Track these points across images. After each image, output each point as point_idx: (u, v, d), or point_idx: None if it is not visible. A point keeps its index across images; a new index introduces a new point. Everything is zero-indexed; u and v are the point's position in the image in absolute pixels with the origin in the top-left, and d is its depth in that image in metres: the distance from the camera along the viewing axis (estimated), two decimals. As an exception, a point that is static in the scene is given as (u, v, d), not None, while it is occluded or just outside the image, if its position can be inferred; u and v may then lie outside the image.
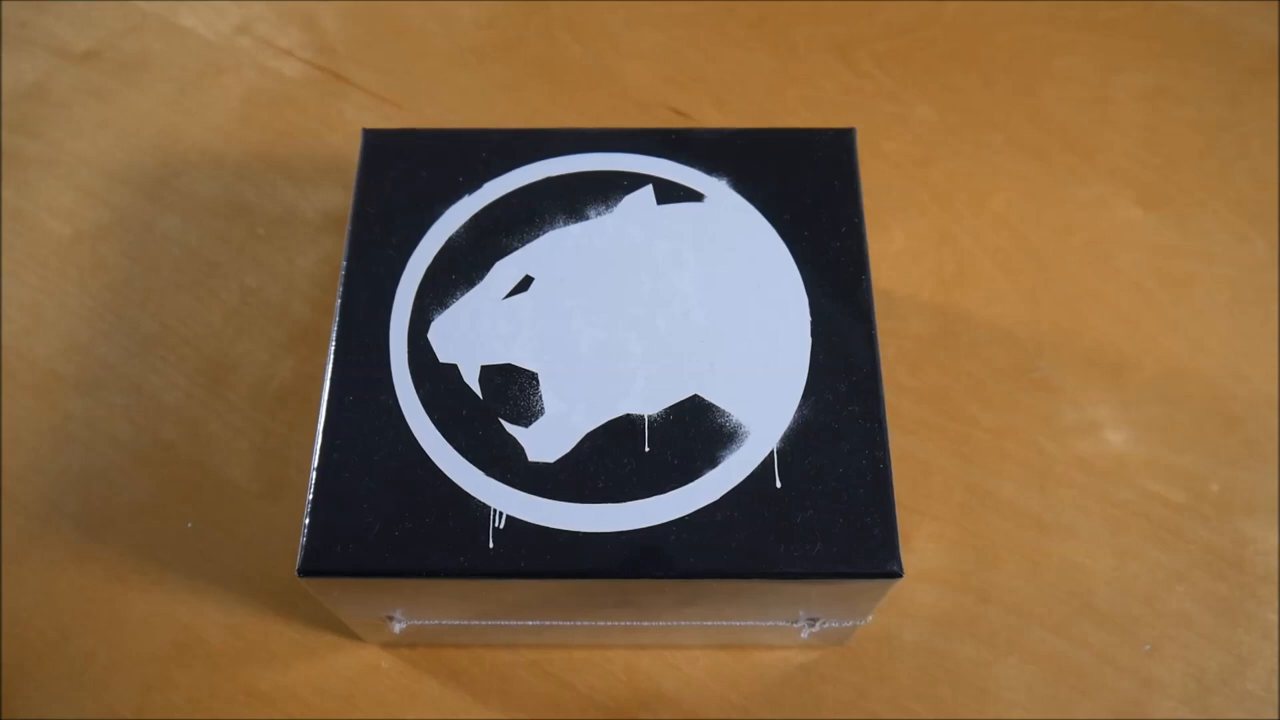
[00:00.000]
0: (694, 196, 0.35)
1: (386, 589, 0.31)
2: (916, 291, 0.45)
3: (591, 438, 0.31)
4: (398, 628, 0.35)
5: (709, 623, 0.35)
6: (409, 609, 0.34)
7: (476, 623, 0.35)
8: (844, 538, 0.29)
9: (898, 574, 0.29)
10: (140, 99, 0.50)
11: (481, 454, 0.31)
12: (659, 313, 0.33)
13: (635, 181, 0.35)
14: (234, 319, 0.44)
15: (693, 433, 0.31)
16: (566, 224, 0.34)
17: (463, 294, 0.33)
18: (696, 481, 0.30)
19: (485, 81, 0.51)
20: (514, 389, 0.32)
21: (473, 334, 0.32)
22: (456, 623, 0.35)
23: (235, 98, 0.50)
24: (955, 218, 0.47)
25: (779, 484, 0.30)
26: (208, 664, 0.38)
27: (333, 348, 0.32)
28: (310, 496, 0.30)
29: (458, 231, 0.34)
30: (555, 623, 0.35)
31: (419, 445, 0.31)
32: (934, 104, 0.50)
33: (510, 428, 0.31)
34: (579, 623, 0.35)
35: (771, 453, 0.31)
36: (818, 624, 0.35)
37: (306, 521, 0.30)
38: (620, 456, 0.31)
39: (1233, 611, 0.39)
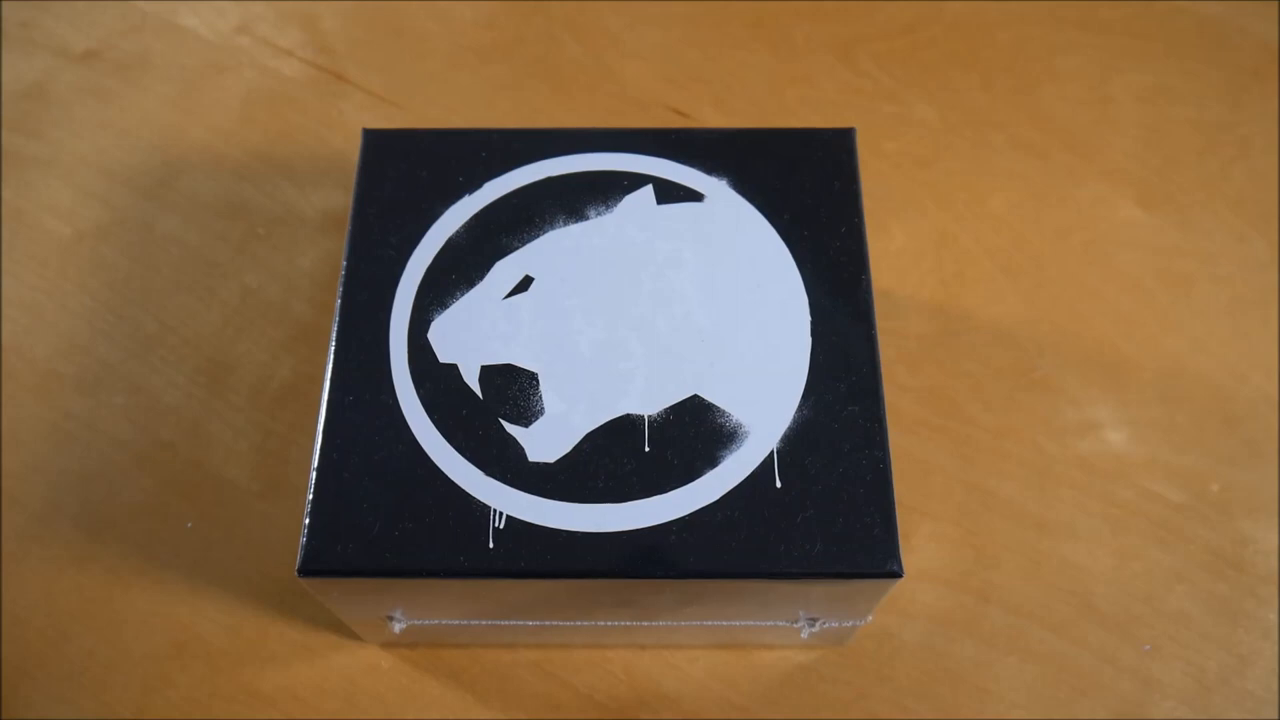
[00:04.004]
0: (694, 196, 0.35)
1: (386, 589, 0.31)
2: (916, 291, 0.45)
3: (591, 438, 0.31)
4: (398, 628, 0.35)
5: (709, 623, 0.35)
6: (409, 609, 0.34)
7: (476, 623, 0.35)
8: (844, 538, 0.29)
9: (898, 574, 0.29)
10: (140, 99, 0.50)
11: (481, 454, 0.31)
12: (659, 313, 0.33)
13: (635, 181, 0.35)
14: (234, 319, 0.44)
15: (693, 433, 0.31)
16: (566, 224, 0.34)
17: (463, 294, 0.33)
18: (696, 481, 0.30)
19: (485, 81, 0.51)
20: (514, 389, 0.32)
21: (473, 334, 0.32)
22: (456, 623, 0.35)
23: (235, 98, 0.50)
24: (955, 218, 0.47)
25: (779, 484, 0.30)
26: (208, 664, 0.38)
27: (333, 348, 0.32)
28: (310, 496, 0.30)
29: (458, 231, 0.34)
30: (555, 623, 0.35)
31: (419, 445, 0.31)
32: (934, 104, 0.50)
33: (510, 428, 0.31)
34: (579, 623, 0.35)
35: (771, 453, 0.31)
36: (818, 624, 0.35)
37: (306, 521, 0.30)
38: (620, 456, 0.31)
39: (1233, 611, 0.39)
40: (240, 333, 0.44)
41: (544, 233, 0.34)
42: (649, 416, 0.31)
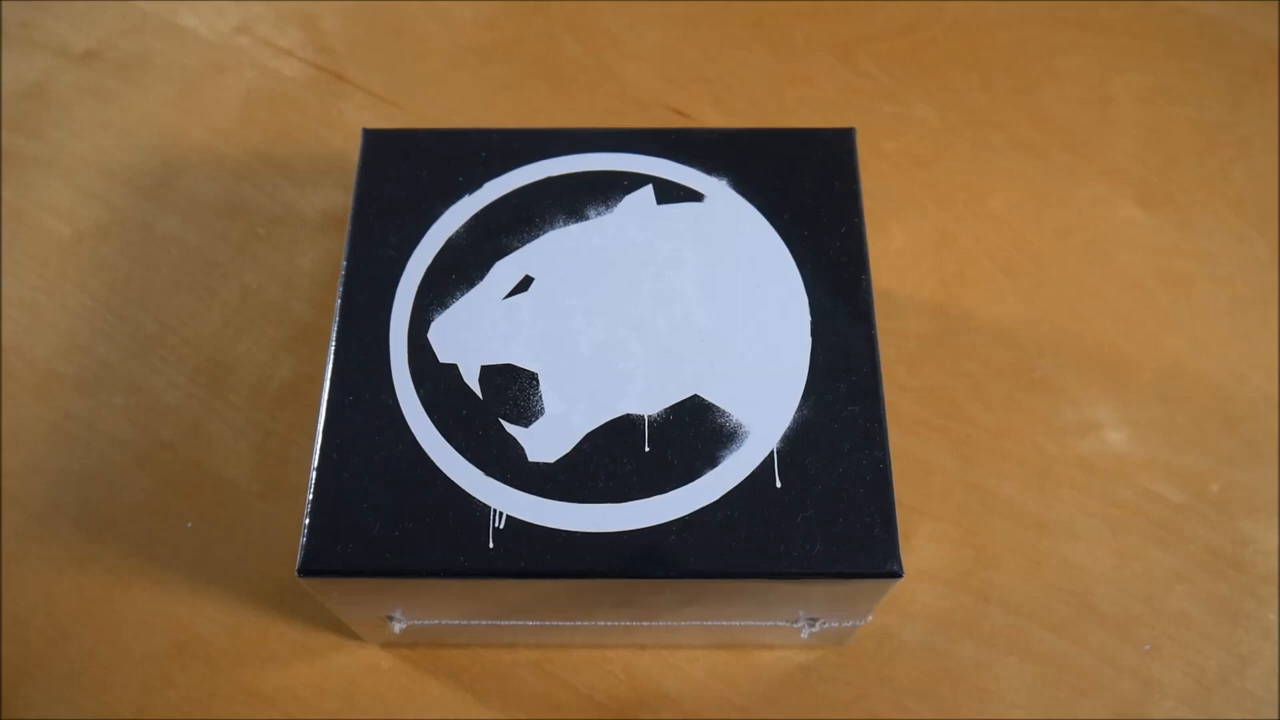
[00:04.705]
0: (694, 196, 0.35)
1: (386, 589, 0.31)
2: (916, 291, 0.45)
3: (591, 438, 0.31)
4: (398, 628, 0.35)
5: (709, 623, 0.35)
6: (409, 609, 0.34)
7: (476, 623, 0.35)
8: (844, 538, 0.29)
9: (898, 574, 0.29)
10: (140, 99, 0.50)
11: (481, 454, 0.31)
12: (659, 313, 0.33)
13: (635, 181, 0.35)
14: (234, 319, 0.44)
15: (693, 433, 0.31)
16: (566, 224, 0.34)
17: (463, 294, 0.33)
18: (696, 481, 0.30)
19: (485, 81, 0.51)
20: (514, 389, 0.32)
21: (473, 334, 0.32)
22: (456, 623, 0.35)
23: (235, 98, 0.50)
24: (955, 218, 0.47)
25: (779, 484, 0.30)
26: (208, 664, 0.38)
27: (333, 348, 0.32)
28: (310, 496, 0.30)
29: (458, 231, 0.34)
30: (555, 623, 0.35)
31: (419, 445, 0.31)
32: (934, 104, 0.50)
33: (510, 428, 0.31)
34: (579, 623, 0.35)
35: (771, 453, 0.31)
36: (818, 624, 0.35)
37: (306, 521, 0.30)
38: (620, 456, 0.31)
39: (1233, 611, 0.39)
40: (240, 333, 0.44)
41: (544, 233, 0.34)
42: (649, 416, 0.31)
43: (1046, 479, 0.41)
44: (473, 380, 0.32)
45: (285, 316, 0.44)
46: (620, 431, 0.31)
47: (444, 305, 0.33)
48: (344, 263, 0.34)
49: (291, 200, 0.47)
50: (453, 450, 0.31)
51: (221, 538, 0.40)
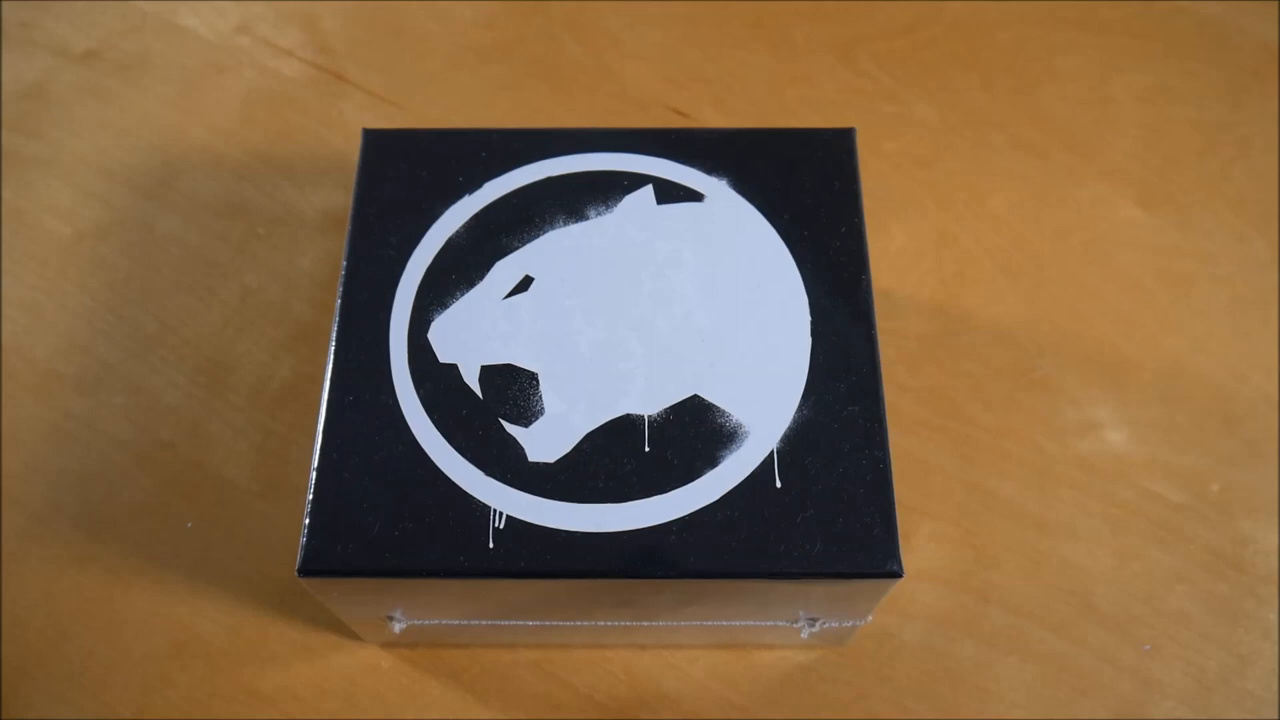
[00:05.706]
0: (694, 196, 0.35)
1: (386, 589, 0.31)
2: (916, 291, 0.45)
3: (591, 438, 0.31)
4: (398, 628, 0.35)
5: (709, 623, 0.35)
6: (409, 609, 0.34)
7: (476, 623, 0.35)
8: (844, 538, 0.29)
9: (898, 574, 0.29)
10: (140, 99, 0.50)
11: (481, 454, 0.31)
12: (659, 313, 0.33)
13: (635, 181, 0.35)
14: (234, 319, 0.44)
15: (693, 433, 0.31)
16: (566, 224, 0.34)
17: (463, 294, 0.33)
18: (696, 481, 0.30)
19: (485, 81, 0.51)
20: (514, 389, 0.32)
21: (473, 334, 0.32)
22: (456, 623, 0.35)
23: (235, 98, 0.50)
24: (955, 218, 0.47)
25: (779, 484, 0.30)
26: (208, 664, 0.38)
27: (333, 348, 0.32)
28: (310, 496, 0.30)
29: (458, 231, 0.34)
30: (555, 623, 0.35)
31: (419, 445, 0.31)
32: (934, 104, 0.50)
33: (510, 428, 0.31)
34: (579, 623, 0.35)
35: (771, 453, 0.31)
36: (818, 624, 0.35)
37: (306, 521, 0.30)
38: (620, 456, 0.31)
39: (1233, 611, 0.39)
40: (240, 333, 0.44)
41: (544, 233, 0.34)
42: (649, 416, 0.31)
43: (1046, 479, 0.41)
44: (473, 380, 0.32)
45: (285, 316, 0.44)
46: (620, 431, 0.31)
47: (444, 305, 0.33)
48: (344, 263, 0.34)
49: (291, 200, 0.47)
50: (453, 450, 0.31)
51: (221, 538, 0.40)
